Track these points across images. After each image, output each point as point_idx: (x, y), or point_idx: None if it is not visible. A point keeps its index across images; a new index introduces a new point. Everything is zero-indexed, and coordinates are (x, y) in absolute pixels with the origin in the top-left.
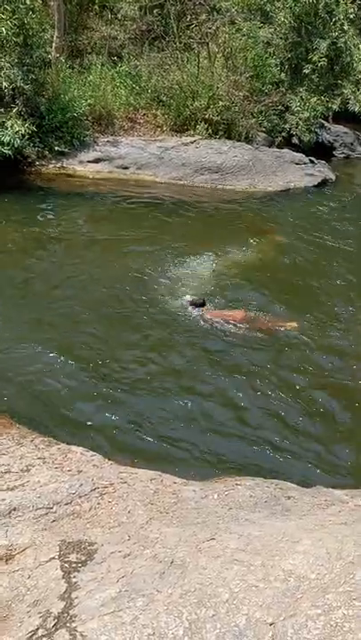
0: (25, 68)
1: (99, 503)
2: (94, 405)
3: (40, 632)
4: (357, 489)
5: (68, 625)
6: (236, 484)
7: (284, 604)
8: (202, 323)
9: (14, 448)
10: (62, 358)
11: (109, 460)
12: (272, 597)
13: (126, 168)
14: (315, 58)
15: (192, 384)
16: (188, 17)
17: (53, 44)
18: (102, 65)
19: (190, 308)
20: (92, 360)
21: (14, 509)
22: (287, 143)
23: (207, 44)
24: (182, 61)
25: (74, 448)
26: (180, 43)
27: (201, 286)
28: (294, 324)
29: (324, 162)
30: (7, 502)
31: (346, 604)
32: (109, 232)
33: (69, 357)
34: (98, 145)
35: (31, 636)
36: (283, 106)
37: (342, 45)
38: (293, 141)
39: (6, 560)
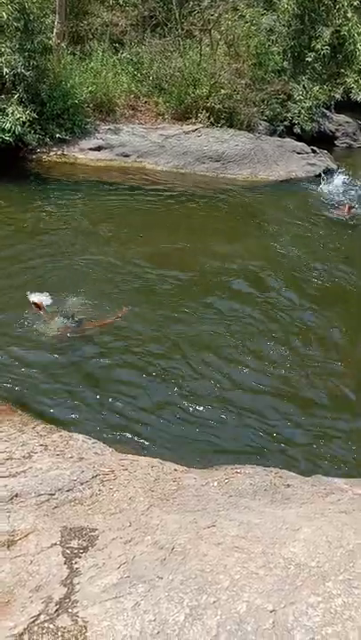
0: (26, 53)
1: (100, 490)
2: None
3: (42, 617)
4: (357, 478)
5: (69, 610)
6: (236, 472)
7: (285, 592)
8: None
9: (16, 435)
10: None
11: (110, 447)
12: (272, 585)
13: (127, 156)
14: (318, 46)
15: None
16: (191, 3)
17: (54, 30)
18: (104, 51)
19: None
20: None
21: (16, 495)
22: (289, 132)
23: (209, 30)
24: (184, 48)
25: (75, 435)
26: (182, 29)
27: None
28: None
29: (325, 151)
30: (9, 488)
31: (346, 592)
32: (108, 221)
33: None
34: (99, 132)
35: (33, 621)
36: (285, 94)
37: (346, 33)
38: (295, 130)
39: (8, 546)
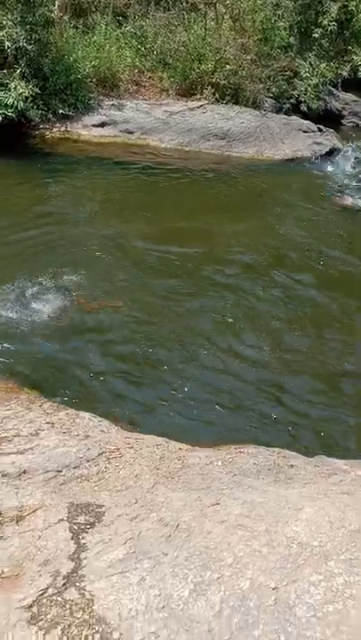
0: (28, 26)
1: (106, 467)
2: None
3: (50, 590)
4: (359, 459)
5: (77, 584)
6: (240, 452)
7: (287, 570)
8: None
9: (23, 412)
10: None
11: (116, 425)
12: (275, 563)
13: (131, 133)
14: (325, 22)
15: None
16: None
17: (57, 2)
18: (107, 25)
19: None
20: None
21: (24, 472)
22: (295, 110)
23: (215, 4)
24: (189, 22)
25: (82, 413)
26: (187, 2)
27: None
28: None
29: (332, 130)
30: (17, 465)
31: (347, 572)
32: (111, 198)
33: None
34: (102, 108)
35: (42, 594)
36: (291, 71)
37: (353, 9)
38: (302, 108)
39: (17, 521)
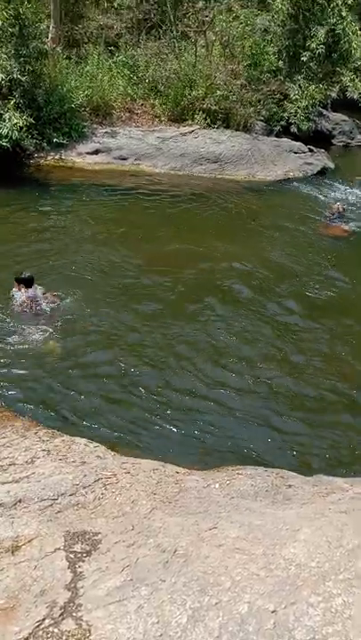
0: (21, 59)
1: (102, 494)
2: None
3: (47, 622)
4: (357, 477)
5: (74, 614)
6: (238, 474)
7: (285, 592)
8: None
9: (19, 440)
10: None
11: (112, 450)
12: (273, 585)
13: (125, 159)
14: (313, 45)
15: None
16: (185, 5)
17: (49, 35)
18: (99, 55)
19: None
20: None
21: (20, 501)
22: (286, 132)
23: (204, 32)
24: (179, 50)
25: (78, 439)
26: (177, 31)
27: None
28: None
29: (322, 150)
30: (12, 494)
31: (346, 592)
32: (106, 223)
33: None
34: (96, 136)
35: (38, 626)
36: (281, 94)
37: (340, 32)
38: (292, 130)
39: (13, 551)
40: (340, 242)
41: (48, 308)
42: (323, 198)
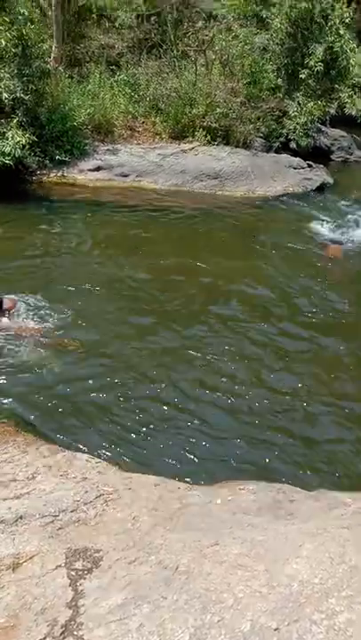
0: (24, 78)
1: (104, 510)
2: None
3: None
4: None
5: (75, 633)
6: (240, 489)
7: (288, 609)
8: None
9: (20, 456)
10: None
11: (114, 466)
12: (276, 602)
13: (126, 176)
14: (311, 62)
15: None
16: (185, 24)
17: (52, 54)
18: (101, 74)
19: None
20: None
21: (21, 518)
22: (285, 148)
23: (204, 51)
24: (180, 69)
25: (79, 455)
26: (178, 50)
27: None
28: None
29: (321, 166)
30: (14, 511)
31: (349, 608)
32: (107, 239)
33: None
34: (98, 153)
35: None
36: (280, 111)
37: (338, 50)
38: (291, 146)
39: (14, 568)
40: (337, 263)
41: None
42: (322, 215)
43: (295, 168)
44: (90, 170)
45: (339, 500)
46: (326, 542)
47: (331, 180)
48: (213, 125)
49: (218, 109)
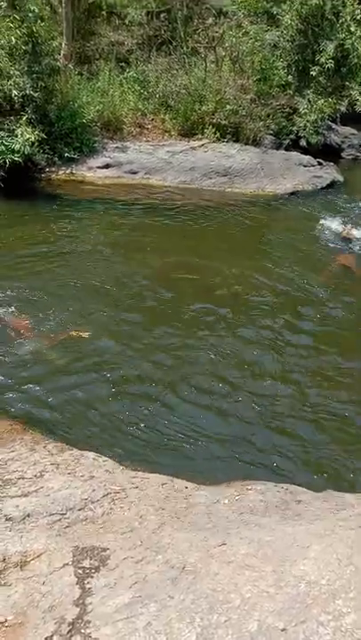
0: (34, 75)
1: (111, 508)
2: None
3: (55, 638)
4: None
5: (82, 631)
6: (247, 489)
7: (295, 610)
8: None
9: (27, 454)
10: None
11: (121, 464)
12: (283, 603)
13: (135, 173)
14: (322, 59)
15: None
16: (195, 21)
17: (62, 52)
18: (110, 71)
19: None
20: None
21: (28, 515)
22: (295, 145)
23: (214, 48)
24: (189, 66)
25: (86, 453)
26: (187, 47)
27: None
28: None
29: (332, 163)
30: (21, 508)
31: (356, 610)
32: (115, 237)
33: None
34: (107, 151)
35: None
36: (290, 108)
37: (349, 47)
38: (301, 143)
39: (21, 566)
40: (350, 272)
41: None
42: (332, 213)
43: (305, 166)
44: (99, 167)
45: (346, 501)
46: (334, 543)
47: (341, 178)
48: (223, 122)
49: (228, 106)
